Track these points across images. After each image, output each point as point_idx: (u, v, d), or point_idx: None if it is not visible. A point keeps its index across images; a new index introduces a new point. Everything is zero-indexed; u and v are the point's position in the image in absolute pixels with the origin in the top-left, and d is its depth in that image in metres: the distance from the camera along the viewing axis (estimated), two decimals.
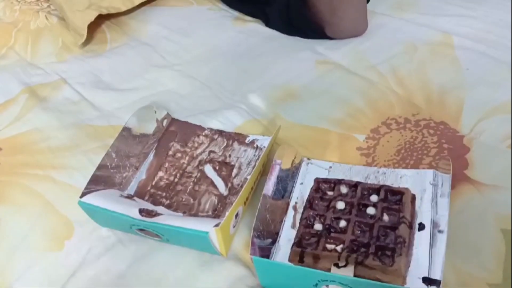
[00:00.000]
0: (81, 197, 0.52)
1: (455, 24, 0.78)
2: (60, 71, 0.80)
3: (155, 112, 0.64)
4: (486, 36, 0.75)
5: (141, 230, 0.50)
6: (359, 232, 0.49)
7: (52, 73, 0.80)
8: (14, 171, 0.63)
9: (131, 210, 0.50)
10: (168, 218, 0.49)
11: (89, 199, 0.51)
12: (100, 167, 0.56)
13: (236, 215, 0.50)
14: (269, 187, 0.53)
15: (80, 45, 0.83)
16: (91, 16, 0.82)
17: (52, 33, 0.89)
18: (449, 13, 0.81)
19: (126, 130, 0.61)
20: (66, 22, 0.88)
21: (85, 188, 0.53)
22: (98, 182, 0.55)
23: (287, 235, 0.51)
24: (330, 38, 0.78)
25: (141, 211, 0.50)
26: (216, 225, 0.46)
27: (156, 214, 0.51)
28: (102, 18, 0.87)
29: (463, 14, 0.80)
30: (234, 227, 0.50)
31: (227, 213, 0.48)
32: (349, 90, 0.69)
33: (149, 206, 0.54)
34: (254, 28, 0.85)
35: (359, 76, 0.71)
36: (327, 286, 0.44)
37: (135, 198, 0.55)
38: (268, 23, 0.84)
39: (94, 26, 0.86)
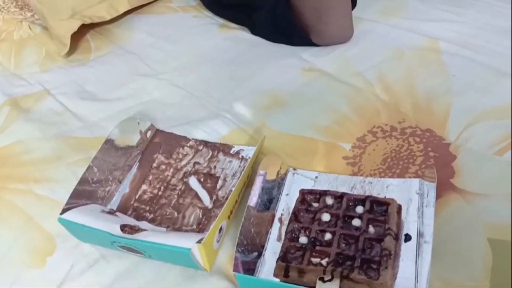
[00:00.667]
0: (61, 213, 0.51)
1: (441, 29, 0.78)
2: (44, 82, 0.79)
3: (139, 123, 0.63)
4: (472, 41, 0.74)
5: (122, 246, 0.49)
6: (344, 245, 0.48)
7: (36, 83, 0.79)
8: None
9: (112, 226, 0.49)
10: (150, 234, 0.48)
11: (69, 215, 0.50)
12: (82, 181, 0.55)
13: (220, 230, 0.49)
14: (254, 198, 0.52)
15: (63, 55, 0.82)
16: (75, 25, 0.81)
17: (36, 42, 0.88)
18: (435, 18, 0.81)
19: (109, 142, 0.60)
20: (49, 32, 0.87)
21: (66, 204, 0.52)
22: (80, 196, 0.54)
23: (273, 248, 0.50)
24: (316, 45, 0.78)
25: (123, 227, 0.49)
26: (199, 241, 0.45)
27: (139, 230, 0.50)
28: (86, 27, 0.87)
29: (449, 19, 0.80)
30: (218, 241, 0.50)
31: (212, 225, 0.47)
32: (335, 97, 0.68)
33: (132, 221, 0.53)
34: (240, 35, 0.84)
35: (345, 83, 0.70)
36: None
37: (117, 213, 0.54)
38: (254, 30, 0.83)
39: (78, 35, 0.85)
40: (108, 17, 0.87)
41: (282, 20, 0.78)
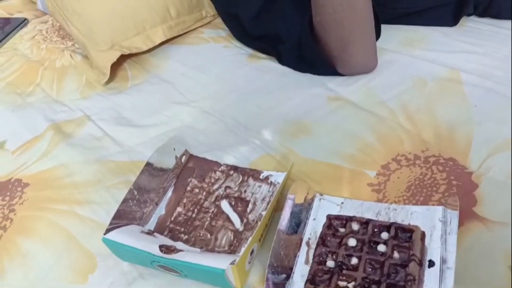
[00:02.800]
0: (105, 233, 0.54)
1: (462, 60, 0.80)
2: (84, 108, 0.84)
3: (174, 149, 0.67)
4: (493, 72, 0.77)
5: (161, 266, 0.52)
6: (370, 269, 0.50)
7: (76, 109, 0.84)
8: (41, 206, 0.66)
9: (151, 246, 0.53)
10: (187, 255, 0.51)
11: (112, 235, 0.54)
12: (123, 202, 0.59)
13: (252, 252, 0.52)
14: (284, 222, 0.55)
15: (103, 84, 0.88)
16: (114, 56, 0.87)
17: (77, 70, 0.94)
18: (456, 49, 0.83)
19: (148, 165, 0.64)
20: (89, 60, 0.93)
21: (109, 224, 0.56)
22: (121, 217, 0.58)
23: (301, 270, 0.53)
24: (341, 75, 0.81)
25: (161, 247, 0.53)
26: (232, 263, 0.49)
27: (175, 250, 0.54)
28: (124, 56, 0.92)
29: (470, 50, 0.83)
30: (249, 263, 0.53)
31: (243, 250, 0.51)
32: (359, 125, 0.71)
33: (169, 242, 0.56)
34: (268, 64, 0.88)
35: (369, 112, 0.73)
36: None
37: (155, 234, 0.58)
38: (281, 60, 0.87)
39: (116, 64, 0.90)
40: (144, 48, 0.92)
41: (307, 52, 0.82)
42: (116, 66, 0.91)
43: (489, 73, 0.76)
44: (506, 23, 0.88)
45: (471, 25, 0.90)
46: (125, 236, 0.54)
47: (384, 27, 0.84)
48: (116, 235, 0.54)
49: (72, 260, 0.59)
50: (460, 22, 0.90)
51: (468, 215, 0.55)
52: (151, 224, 0.60)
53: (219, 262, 0.49)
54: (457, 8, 0.89)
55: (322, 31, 0.78)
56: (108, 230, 0.55)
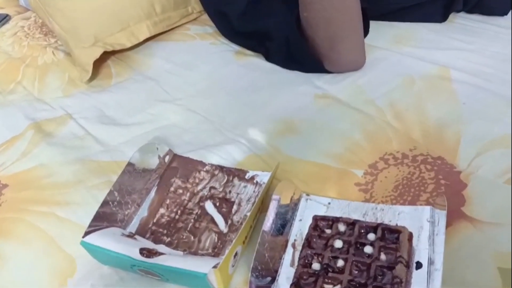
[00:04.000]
0: (83, 236, 0.53)
1: (452, 57, 0.79)
2: (66, 106, 0.82)
3: (157, 148, 0.66)
4: (483, 69, 0.76)
5: (141, 270, 0.51)
6: (356, 271, 0.49)
7: (58, 108, 0.82)
8: (20, 208, 0.64)
9: (132, 250, 0.51)
10: (168, 259, 0.50)
11: (91, 239, 0.52)
12: (103, 204, 0.57)
13: (235, 255, 0.51)
14: (268, 223, 0.54)
15: (85, 81, 0.86)
16: (97, 53, 0.85)
17: (59, 68, 0.92)
18: (446, 46, 0.82)
19: (130, 166, 0.62)
20: (72, 58, 0.91)
21: (88, 227, 0.54)
22: (101, 219, 0.56)
23: (286, 273, 0.51)
24: (329, 72, 0.80)
25: (141, 250, 0.51)
26: (215, 266, 0.47)
27: (156, 253, 0.52)
28: (107, 53, 0.90)
29: (460, 47, 0.82)
30: (233, 266, 0.51)
31: (226, 252, 0.49)
32: (347, 124, 0.70)
33: (150, 245, 0.54)
34: (255, 62, 0.87)
35: (357, 110, 0.72)
36: None
37: (136, 236, 0.56)
38: (269, 57, 0.86)
39: (100, 61, 0.88)
40: (128, 45, 0.90)
41: (295, 49, 0.80)
42: (99, 63, 0.89)
43: (478, 70, 0.75)
44: (495, 19, 0.87)
45: (461, 21, 0.89)
46: (105, 239, 0.52)
47: (372, 24, 0.82)
48: (95, 238, 0.52)
49: (51, 263, 0.57)
50: (449, 18, 0.89)
51: (457, 215, 0.54)
52: (133, 226, 0.59)
53: (201, 265, 0.48)
54: (446, 4, 0.88)
55: (309, 29, 0.77)
56: (86, 233, 0.53)
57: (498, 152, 0.62)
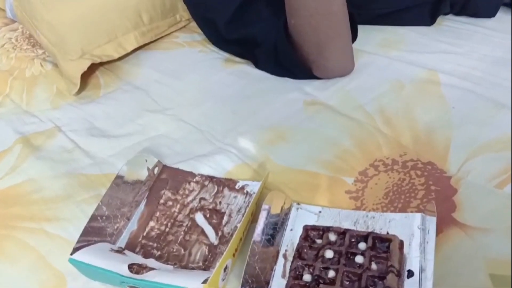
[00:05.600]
0: (72, 253, 0.52)
1: (440, 60, 0.79)
2: (55, 119, 0.82)
3: (146, 160, 0.65)
4: (472, 72, 0.76)
5: (131, 286, 0.50)
6: (347, 282, 0.49)
7: (47, 120, 0.81)
8: (8, 224, 0.64)
9: (120, 266, 0.50)
10: (157, 274, 0.49)
11: (79, 256, 0.52)
12: (92, 219, 0.56)
13: (225, 268, 0.50)
14: (258, 234, 0.53)
15: (73, 94, 0.85)
16: (84, 65, 0.84)
17: (47, 80, 0.91)
18: (434, 49, 0.82)
19: (118, 179, 0.62)
20: (60, 70, 0.90)
21: (77, 243, 0.53)
22: (89, 234, 0.55)
23: (278, 284, 0.51)
24: (318, 78, 0.79)
25: (130, 266, 0.51)
26: (204, 281, 0.47)
27: (146, 268, 0.52)
28: (95, 64, 0.89)
29: (448, 50, 0.82)
30: (223, 280, 0.51)
31: (217, 265, 0.49)
32: (337, 131, 0.70)
33: (140, 260, 0.54)
34: (244, 69, 0.86)
35: (346, 116, 0.72)
36: None
37: (125, 251, 0.56)
38: (257, 64, 0.85)
39: (88, 71, 0.87)
40: (116, 56, 0.89)
41: (283, 56, 0.80)
42: (87, 74, 0.88)
43: (467, 74, 0.75)
44: (483, 21, 0.88)
45: (449, 24, 0.89)
46: (93, 255, 0.51)
47: (360, 28, 0.82)
48: (83, 255, 0.51)
49: (40, 280, 0.56)
50: (437, 21, 0.89)
51: (448, 222, 0.54)
52: (123, 240, 0.58)
53: (191, 281, 0.47)
54: (434, 7, 0.89)
55: (297, 35, 0.77)
56: (75, 250, 0.52)
57: (488, 156, 0.62)
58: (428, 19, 0.89)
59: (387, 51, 0.84)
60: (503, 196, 0.56)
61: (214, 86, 0.84)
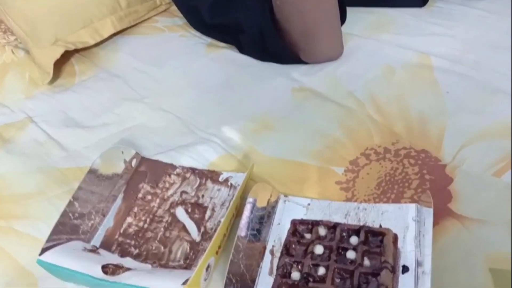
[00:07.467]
0: (40, 254, 0.48)
1: (432, 43, 0.76)
2: (27, 109, 0.77)
3: (123, 152, 0.61)
4: (465, 55, 0.72)
5: None
6: (339, 280, 0.46)
7: (18, 111, 0.77)
8: None
9: (93, 267, 0.46)
10: (133, 275, 0.46)
11: (48, 257, 0.47)
12: (63, 216, 0.52)
13: (207, 268, 0.47)
14: (243, 229, 0.50)
15: (46, 83, 0.80)
16: (57, 53, 0.79)
17: (19, 68, 0.86)
18: (426, 32, 0.79)
19: (91, 172, 0.58)
20: (32, 58, 0.85)
21: (46, 242, 0.49)
22: (61, 232, 0.51)
23: (264, 283, 0.48)
24: (306, 63, 0.76)
25: (104, 267, 0.47)
26: (184, 282, 0.43)
27: (123, 268, 0.48)
28: (70, 50, 0.84)
29: (440, 32, 0.78)
30: (205, 280, 0.47)
31: (198, 265, 0.45)
32: (326, 119, 0.66)
33: (115, 259, 0.50)
34: (228, 54, 0.82)
35: (336, 103, 0.68)
36: None
37: (99, 250, 0.52)
38: (242, 50, 0.81)
39: (62, 59, 0.82)
40: (92, 42, 0.84)
41: (269, 41, 0.76)
42: (62, 62, 0.83)
43: (460, 57, 0.72)
44: (476, 2, 0.84)
45: (441, 5, 0.86)
46: (63, 256, 0.47)
47: (349, 11, 0.79)
48: (52, 256, 0.47)
49: (9, 283, 0.52)
50: (429, 2, 0.86)
51: (444, 213, 0.51)
52: (97, 239, 0.54)
53: (170, 282, 0.44)
54: None
55: (283, 20, 0.73)
56: (44, 250, 0.48)
57: (484, 143, 0.59)
58: (420, 0, 0.85)
59: (377, 34, 0.80)
60: (501, 185, 0.53)
61: (196, 74, 0.79)
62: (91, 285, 0.47)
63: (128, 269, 0.48)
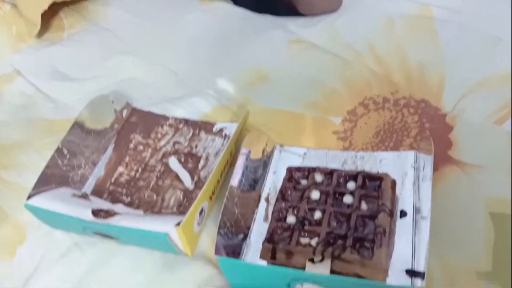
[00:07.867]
0: (28, 198, 0.46)
1: None
2: (15, 63, 0.74)
3: (113, 102, 0.59)
4: (467, 6, 0.70)
5: (96, 233, 0.45)
6: (335, 223, 0.45)
7: (6, 65, 0.74)
8: None
9: (83, 211, 0.45)
10: (124, 219, 0.44)
11: (36, 201, 0.46)
12: (51, 165, 0.51)
13: (201, 212, 0.45)
14: (236, 178, 0.48)
15: (34, 36, 0.77)
16: (45, 4, 0.76)
17: (6, 21, 0.83)
18: None
19: (78, 123, 0.55)
20: (18, 10, 0.81)
21: (33, 189, 0.48)
22: (49, 181, 0.49)
23: (259, 229, 0.47)
24: (303, 15, 0.73)
25: (95, 211, 0.45)
26: (177, 224, 0.42)
27: (114, 214, 0.46)
28: (58, 4, 0.81)
29: None
30: (199, 224, 0.46)
31: (191, 207, 0.44)
32: (324, 70, 0.64)
33: (106, 205, 0.49)
34: (222, 6, 0.79)
35: (334, 55, 0.66)
36: (301, 285, 0.40)
37: (90, 197, 0.50)
38: (237, 1, 0.78)
39: (50, 12, 0.79)
40: None
41: None
42: (50, 15, 0.80)
43: (462, 7, 0.69)
44: None
45: None
46: (52, 201, 0.46)
47: None
48: (40, 200, 0.46)
49: None
50: None
51: (443, 159, 0.50)
52: (88, 187, 0.52)
53: (162, 224, 0.43)
54: None
55: None
56: (31, 195, 0.47)
57: (485, 93, 0.57)
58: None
59: None
60: (502, 132, 0.52)
61: (190, 26, 0.76)
62: (81, 229, 0.46)
63: (118, 213, 0.46)
